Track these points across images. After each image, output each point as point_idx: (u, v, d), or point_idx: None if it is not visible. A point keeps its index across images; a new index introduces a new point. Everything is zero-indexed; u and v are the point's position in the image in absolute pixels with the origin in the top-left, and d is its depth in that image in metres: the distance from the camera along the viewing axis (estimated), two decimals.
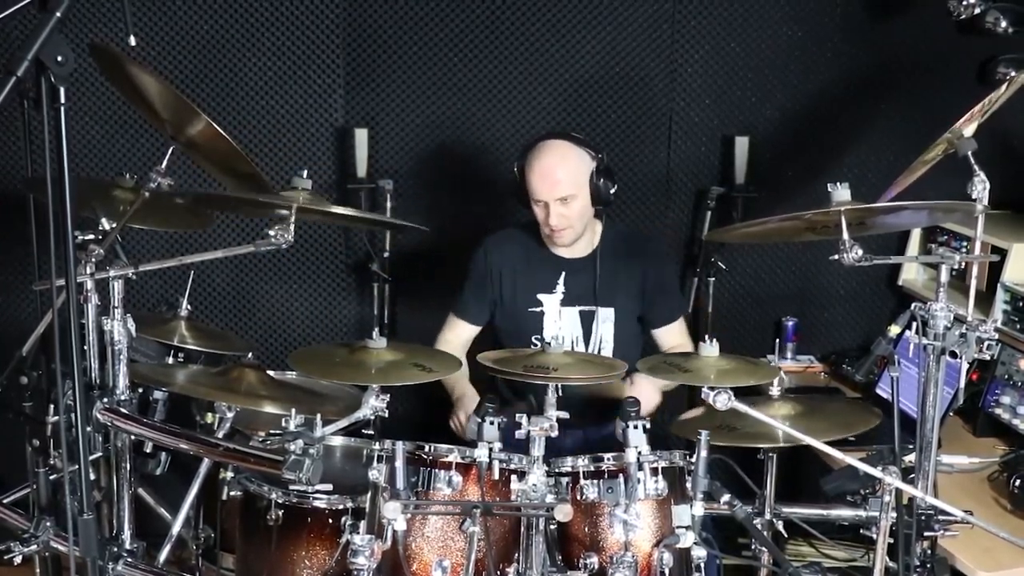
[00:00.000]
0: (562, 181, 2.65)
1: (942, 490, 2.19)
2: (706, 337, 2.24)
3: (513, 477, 2.04)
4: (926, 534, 2.10)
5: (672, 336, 2.89)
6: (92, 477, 2.14)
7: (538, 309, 2.82)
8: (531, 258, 2.85)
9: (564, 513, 1.90)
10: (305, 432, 1.96)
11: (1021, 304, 2.83)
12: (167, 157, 2.28)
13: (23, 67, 1.45)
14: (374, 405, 2.06)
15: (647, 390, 2.65)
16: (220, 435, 2.32)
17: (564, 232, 2.72)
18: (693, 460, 2.07)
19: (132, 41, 1.91)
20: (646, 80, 3.35)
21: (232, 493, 2.26)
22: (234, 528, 2.36)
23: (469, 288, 2.90)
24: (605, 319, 2.80)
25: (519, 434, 2.01)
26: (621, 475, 2.04)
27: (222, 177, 2.48)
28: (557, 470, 2.08)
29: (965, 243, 3.03)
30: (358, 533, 1.94)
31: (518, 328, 2.84)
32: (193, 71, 3.27)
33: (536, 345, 2.79)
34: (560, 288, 2.81)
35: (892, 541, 2.05)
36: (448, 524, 2.00)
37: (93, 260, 2.13)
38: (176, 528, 2.43)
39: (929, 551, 2.13)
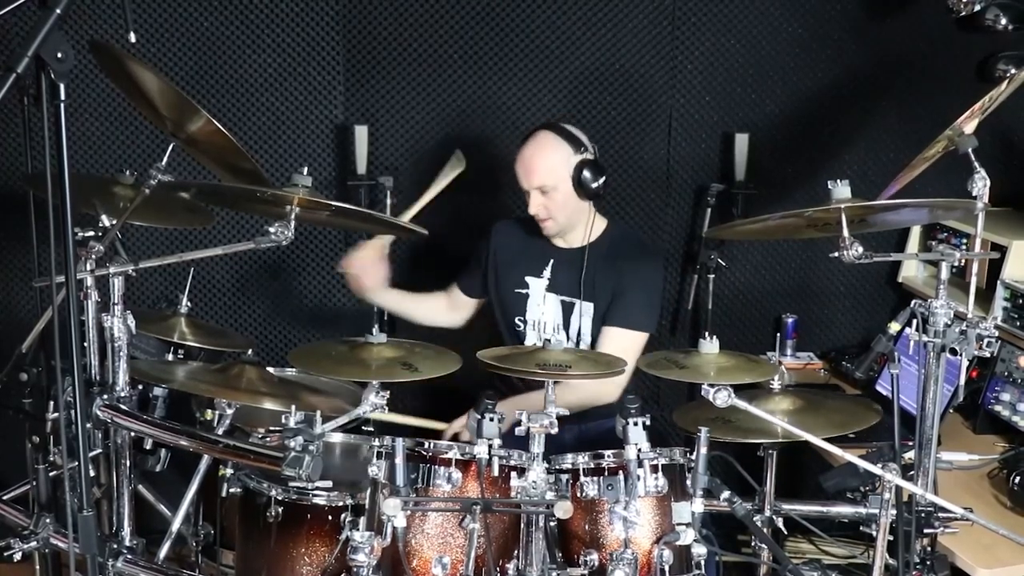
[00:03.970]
0: (538, 171, 2.73)
1: (942, 487, 2.19)
2: (706, 334, 2.24)
3: (513, 474, 2.03)
4: (926, 531, 2.10)
5: (609, 341, 2.75)
6: (92, 474, 2.15)
7: (524, 291, 2.88)
8: (527, 242, 2.92)
9: (564, 510, 1.89)
10: (305, 429, 1.95)
11: (1021, 301, 2.83)
12: (167, 154, 2.28)
13: (23, 64, 1.45)
14: (374, 402, 2.06)
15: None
16: (220, 432, 2.32)
17: (546, 222, 2.79)
18: (693, 457, 2.06)
19: (132, 38, 1.91)
20: (646, 77, 3.35)
21: (232, 490, 2.26)
22: (234, 525, 2.36)
23: (472, 260, 3.03)
24: (585, 313, 2.82)
25: (519, 431, 2.01)
26: (621, 472, 2.03)
27: (222, 174, 2.47)
28: (557, 467, 2.08)
29: (965, 240, 3.03)
30: (358, 530, 1.93)
31: (503, 306, 2.93)
32: (193, 68, 3.27)
33: (519, 327, 2.88)
34: (547, 274, 2.87)
35: (892, 538, 2.05)
36: (448, 521, 2.00)
37: (93, 257, 2.13)
38: (176, 525, 2.43)
39: (929, 548, 2.13)
